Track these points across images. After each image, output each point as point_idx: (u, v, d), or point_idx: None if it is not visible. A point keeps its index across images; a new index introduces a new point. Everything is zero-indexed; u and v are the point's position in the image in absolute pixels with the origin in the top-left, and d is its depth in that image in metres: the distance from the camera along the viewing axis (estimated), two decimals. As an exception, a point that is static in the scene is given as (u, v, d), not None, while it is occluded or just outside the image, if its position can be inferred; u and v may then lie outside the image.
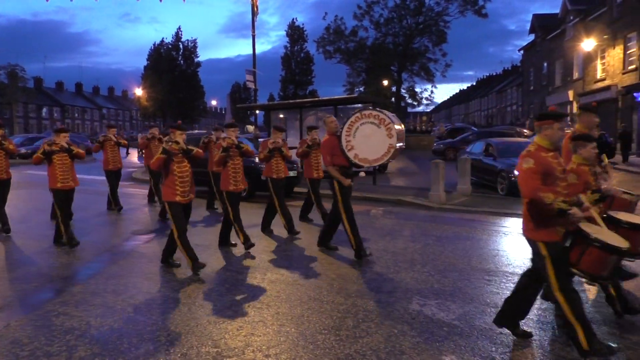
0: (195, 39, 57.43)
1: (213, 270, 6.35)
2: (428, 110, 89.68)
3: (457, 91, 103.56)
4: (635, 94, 24.91)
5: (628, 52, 26.28)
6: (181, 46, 56.79)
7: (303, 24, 64.12)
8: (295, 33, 52.40)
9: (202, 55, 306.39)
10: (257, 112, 27.40)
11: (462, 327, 4.50)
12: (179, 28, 61.89)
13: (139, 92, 55.68)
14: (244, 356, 3.96)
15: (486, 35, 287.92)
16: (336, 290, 5.51)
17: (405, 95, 42.11)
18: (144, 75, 56.21)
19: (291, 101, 21.01)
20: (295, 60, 52.15)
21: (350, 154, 6.99)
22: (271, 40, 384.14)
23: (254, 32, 23.12)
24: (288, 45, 52.59)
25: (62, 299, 5.34)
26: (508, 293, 5.36)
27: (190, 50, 57.17)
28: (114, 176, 11.11)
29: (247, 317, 4.77)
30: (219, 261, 6.82)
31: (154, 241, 8.09)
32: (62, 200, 7.60)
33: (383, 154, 7.05)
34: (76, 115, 76.07)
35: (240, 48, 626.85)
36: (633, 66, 25.57)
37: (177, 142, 6.13)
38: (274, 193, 8.49)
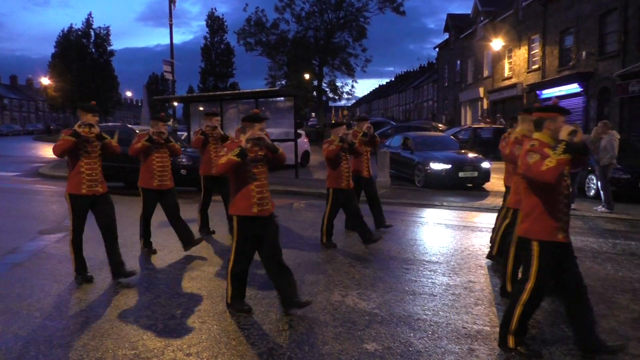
0: (108, 26, 54.56)
1: (130, 269, 6.07)
2: (349, 104, 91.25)
3: (377, 86, 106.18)
4: (538, 92, 26.80)
5: (532, 52, 28.18)
6: (93, 33, 53.68)
7: (223, 15, 62.80)
8: (215, 24, 51.21)
9: (118, 44, 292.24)
10: (176, 104, 26.53)
11: (383, 315, 4.63)
12: (90, 14, 58.50)
13: (45, 81, 51.98)
14: (164, 356, 3.83)
15: (407, 33, 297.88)
16: (259, 285, 5.46)
17: (327, 89, 42.53)
18: (52, 63, 52.61)
19: (211, 93, 20.53)
20: (216, 51, 50.99)
21: None
22: (193, 30, 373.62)
23: (171, 20, 22.34)
24: (208, 36, 51.31)
25: (-42, 306, 4.88)
26: (425, 280, 5.62)
27: (103, 37, 54.23)
28: None
29: (166, 316, 4.62)
30: (136, 260, 6.55)
31: (63, 241, 7.60)
32: None
33: None
34: (-28, 105, 69.83)
35: (160, 37, 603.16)
36: (536, 66, 27.46)
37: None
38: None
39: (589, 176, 11.56)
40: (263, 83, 44.21)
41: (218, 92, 22.14)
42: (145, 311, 4.73)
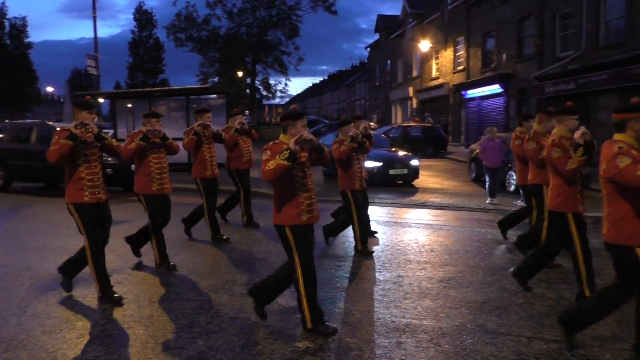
0: (24, 17, 51.16)
1: (50, 274, 5.74)
2: (283, 102, 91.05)
3: (311, 84, 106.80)
4: (463, 92, 27.97)
5: (457, 54, 29.37)
6: (7, 24, 50.16)
7: (152, 9, 60.74)
8: (143, 18, 49.41)
9: (37, 36, 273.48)
10: (102, 100, 25.37)
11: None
12: (4, 3, 54.66)
13: (-47, 75, 47.98)
14: (86, 366, 3.65)
15: (340, 32, 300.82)
16: (188, 287, 5.34)
17: (260, 87, 42.22)
18: (-40, 55, 48.59)
19: (139, 90, 19.83)
20: (144, 46, 49.22)
21: None
22: (120, 24, 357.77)
23: (94, 12, 21.35)
24: (136, 30, 49.42)
25: None
26: (356, 277, 5.71)
27: (19, 29, 50.77)
28: None
29: (89, 323, 4.40)
30: (56, 264, 6.19)
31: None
32: None
33: None
34: None
35: (84, 30, 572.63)
36: (461, 67, 28.64)
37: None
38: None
39: (509, 172, 12.20)
40: (195, 80, 43.20)
41: (147, 89, 21.40)
42: (65, 319, 4.49)
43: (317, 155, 4.17)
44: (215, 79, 40.85)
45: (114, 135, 17.33)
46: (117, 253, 6.55)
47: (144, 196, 5.87)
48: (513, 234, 8.07)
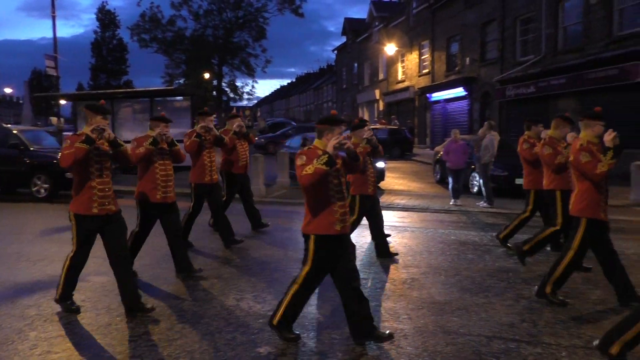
0: (-20, 16, 49.39)
1: (1, 283, 5.53)
2: (251, 104, 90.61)
3: (279, 87, 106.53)
4: (428, 95, 28.40)
5: (422, 57, 29.80)
6: (-38, 23, 48.34)
7: (115, 9, 59.53)
8: (106, 18, 48.37)
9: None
10: (63, 102, 24.69)
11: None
12: (-41, 1, 52.56)
13: None
14: (38, 378, 3.52)
15: (308, 35, 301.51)
16: (149, 294, 5.22)
17: (227, 89, 41.93)
18: None
19: (101, 91, 19.40)
20: (107, 47, 48.19)
21: None
22: (83, 24, 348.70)
23: (54, 12, 20.74)
24: (99, 30, 48.33)
25: None
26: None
27: (-25, 28, 49.00)
28: None
29: (43, 334, 4.25)
30: (10, 271, 5.97)
31: None
32: None
33: None
34: None
35: (45, 30, 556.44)
36: (426, 70, 29.07)
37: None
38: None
39: (472, 174, 12.43)
40: (160, 82, 42.53)
41: (109, 90, 20.94)
42: (18, 329, 4.32)
43: (351, 163, 4.01)
44: (182, 81, 40.36)
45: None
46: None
47: (144, 204, 5.58)
48: (475, 235, 8.22)
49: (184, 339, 4.16)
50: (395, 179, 16.00)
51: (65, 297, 4.69)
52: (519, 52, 21.02)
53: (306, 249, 3.94)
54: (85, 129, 4.47)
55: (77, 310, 4.67)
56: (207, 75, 39.47)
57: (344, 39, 44.00)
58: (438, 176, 15.06)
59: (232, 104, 52.83)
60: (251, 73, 40.25)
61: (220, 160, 7.73)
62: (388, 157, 19.60)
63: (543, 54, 19.13)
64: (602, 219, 4.74)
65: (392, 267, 6.27)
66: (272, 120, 36.02)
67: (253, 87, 61.86)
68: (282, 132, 26.34)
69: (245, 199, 8.18)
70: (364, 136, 6.17)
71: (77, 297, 5.06)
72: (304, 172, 3.68)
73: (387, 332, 4.07)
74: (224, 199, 7.71)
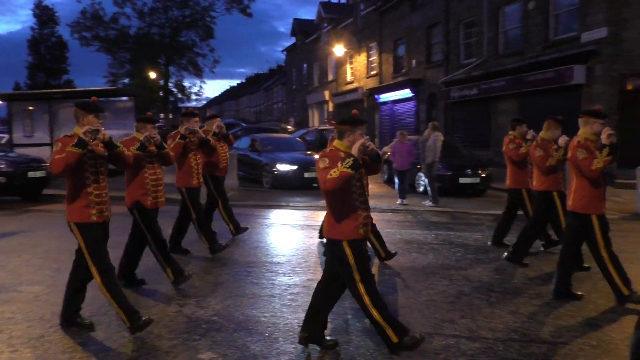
0: None
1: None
2: (200, 105, 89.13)
3: (229, 87, 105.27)
4: (376, 96, 28.80)
5: (370, 59, 30.20)
6: None
7: (54, 5, 57.06)
8: (44, 14, 46.14)
9: None
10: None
11: (221, 322, 4.54)
12: None
13: None
14: (-40, 396, 3.30)
15: (258, 35, 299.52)
16: (84, 303, 5.00)
17: (174, 89, 41.05)
18: None
19: (38, 91, 18.53)
20: (46, 45, 46.05)
21: None
22: (21, 20, 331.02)
23: (-14, 8, 19.62)
24: (36, 27, 46.13)
25: None
26: (266, 282, 5.66)
27: None
28: None
29: (-32, 348, 3.99)
30: None
31: None
32: None
33: None
34: None
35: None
36: (374, 72, 29.48)
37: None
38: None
39: (418, 174, 12.69)
40: (104, 81, 41.12)
41: (47, 90, 20.03)
42: (-61, 345, 4.05)
43: (372, 165, 3.86)
44: (126, 81, 39.18)
45: (10, 141, 16.07)
46: (6, 269, 6.05)
47: (140, 210, 5.32)
48: (420, 233, 8.39)
49: (122, 348, 4.02)
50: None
51: (132, 318, 4.15)
52: (462, 55, 21.66)
53: (340, 256, 3.75)
54: (77, 130, 4.12)
55: (148, 322, 4.20)
56: (153, 75, 38.49)
57: (293, 40, 43.98)
58: (385, 176, 15.29)
59: (180, 104, 51.84)
60: (199, 73, 39.60)
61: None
62: (337, 158, 19.74)
63: (485, 57, 19.79)
64: (604, 213, 4.95)
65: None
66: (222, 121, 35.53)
67: (201, 87, 60.90)
68: (231, 133, 25.98)
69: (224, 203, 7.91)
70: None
71: (6, 309, 4.81)
72: (329, 176, 3.53)
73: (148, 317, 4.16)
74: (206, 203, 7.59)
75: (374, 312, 3.70)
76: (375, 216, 10.21)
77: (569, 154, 4.95)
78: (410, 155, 11.41)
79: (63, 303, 4.41)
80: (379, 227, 9.02)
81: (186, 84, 41.09)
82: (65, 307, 4.40)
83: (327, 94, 36.02)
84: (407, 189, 11.72)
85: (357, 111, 3.87)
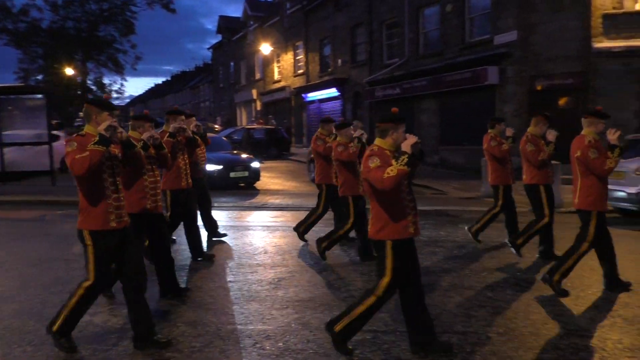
0: None
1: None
2: (123, 104, 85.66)
3: (154, 85, 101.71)
4: (303, 95, 28.92)
5: (297, 58, 30.28)
6: None
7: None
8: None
9: None
10: None
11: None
12: None
13: None
14: None
15: (185, 32, 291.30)
16: (7, 314, 4.65)
17: (93, 87, 39.07)
18: None
19: None
20: (-54, 37, 42.34)
21: None
22: None
23: None
24: None
25: None
26: (182, 286, 5.49)
27: None
28: None
29: None
30: None
31: None
32: None
33: None
34: None
35: None
36: (301, 71, 29.59)
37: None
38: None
39: (344, 172, 12.84)
40: (13, 78, 38.41)
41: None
42: None
43: (415, 162, 3.73)
44: (40, 77, 36.86)
45: None
46: None
47: (134, 215, 4.73)
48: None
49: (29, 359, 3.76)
50: (271, 178, 16.07)
51: (63, 332, 3.89)
52: (385, 55, 22.22)
53: (381, 258, 3.75)
54: (89, 128, 3.80)
55: (73, 349, 3.89)
56: (70, 72, 36.41)
57: (220, 37, 43.22)
58: (313, 175, 15.37)
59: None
60: (120, 70, 37.98)
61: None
62: (265, 157, 19.65)
63: (406, 57, 20.41)
64: (606, 209, 5.15)
65: (260, 268, 6.25)
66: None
67: (122, 85, 58.31)
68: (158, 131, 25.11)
69: (204, 207, 7.51)
70: (355, 135, 6.20)
71: None
72: (387, 175, 3.47)
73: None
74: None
75: (358, 309, 3.75)
76: (301, 215, 10.24)
77: (578, 154, 5.03)
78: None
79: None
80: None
81: (106, 81, 39.33)
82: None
83: (254, 92, 35.73)
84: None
85: (396, 109, 3.88)
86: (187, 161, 6.32)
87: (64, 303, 3.91)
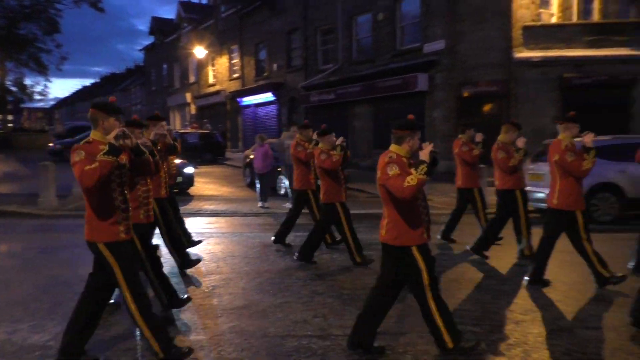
0: None
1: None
2: (47, 106, 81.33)
3: (81, 87, 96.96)
4: (239, 99, 28.65)
5: (232, 61, 29.96)
6: None
7: None
8: None
9: None
10: None
11: (58, 346, 4.14)
12: None
13: None
14: None
15: (116, 32, 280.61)
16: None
17: (13, 88, 36.78)
18: None
19: None
20: None
21: None
22: None
23: None
24: None
25: None
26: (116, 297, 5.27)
27: None
28: None
29: None
30: None
31: None
32: None
33: None
34: None
35: None
36: (237, 74, 29.31)
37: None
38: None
39: (280, 176, 12.86)
40: None
41: None
42: None
43: (431, 169, 3.71)
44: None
45: None
46: None
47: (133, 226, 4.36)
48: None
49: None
50: (206, 184, 15.78)
51: (168, 347, 3.71)
52: (320, 61, 22.46)
53: (410, 262, 3.78)
54: (96, 135, 3.59)
55: (190, 351, 3.84)
56: (-13, 72, 34.10)
57: (153, 39, 41.95)
58: (248, 180, 15.25)
59: (22, 105, 46.66)
60: (43, 70, 35.90)
61: None
62: (199, 162, 19.27)
63: (341, 63, 20.74)
64: (585, 209, 5.39)
65: (193, 276, 6.12)
66: (71, 124, 32.61)
67: (46, 86, 55.26)
68: (82, 136, 23.98)
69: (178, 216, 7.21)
70: (337, 143, 6.32)
71: None
72: (407, 184, 3.51)
73: (186, 347, 3.90)
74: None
75: (437, 318, 3.78)
76: (236, 220, 10.23)
77: (557, 157, 5.27)
78: (268, 158, 11.52)
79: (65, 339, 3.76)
80: (238, 230, 9.01)
81: (28, 82, 37.09)
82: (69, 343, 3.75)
83: (188, 96, 34.98)
84: (269, 191, 11.81)
85: (413, 116, 3.88)
86: (165, 169, 6.17)
87: (141, 335, 3.80)
